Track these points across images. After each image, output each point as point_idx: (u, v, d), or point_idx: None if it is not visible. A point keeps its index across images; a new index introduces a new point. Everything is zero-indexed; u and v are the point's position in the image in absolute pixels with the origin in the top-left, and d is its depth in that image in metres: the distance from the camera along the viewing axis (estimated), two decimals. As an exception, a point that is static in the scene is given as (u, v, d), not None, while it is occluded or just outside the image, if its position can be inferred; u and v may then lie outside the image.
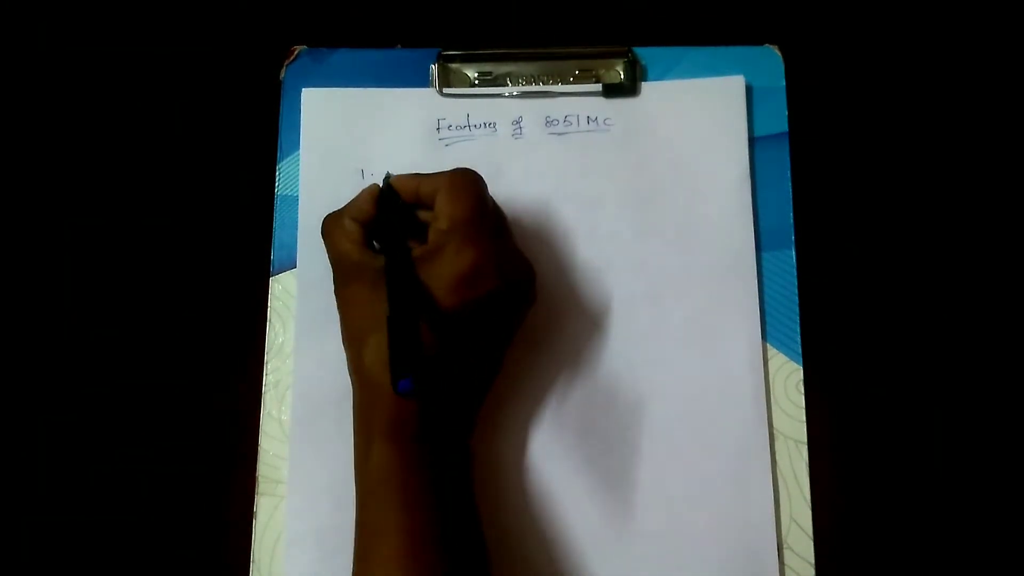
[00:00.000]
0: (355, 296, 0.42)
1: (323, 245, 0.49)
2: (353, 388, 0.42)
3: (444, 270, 0.40)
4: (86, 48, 0.54)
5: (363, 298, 0.41)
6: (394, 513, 0.38)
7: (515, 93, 0.52)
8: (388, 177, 0.45)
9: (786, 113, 0.52)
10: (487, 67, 0.53)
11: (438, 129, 0.52)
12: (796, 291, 0.49)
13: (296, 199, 0.51)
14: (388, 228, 0.43)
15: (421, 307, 0.39)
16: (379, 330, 0.39)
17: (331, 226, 0.44)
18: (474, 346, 0.42)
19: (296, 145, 0.52)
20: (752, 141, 0.51)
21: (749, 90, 0.52)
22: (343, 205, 0.45)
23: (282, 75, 0.53)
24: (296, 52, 0.53)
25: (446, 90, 0.52)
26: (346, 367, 0.48)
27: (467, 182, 0.43)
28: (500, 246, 0.42)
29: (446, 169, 0.44)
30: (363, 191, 0.44)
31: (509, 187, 0.50)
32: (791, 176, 0.51)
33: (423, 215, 0.44)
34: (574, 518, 0.47)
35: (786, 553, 0.46)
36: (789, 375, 0.48)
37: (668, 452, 0.47)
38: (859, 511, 0.47)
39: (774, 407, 0.48)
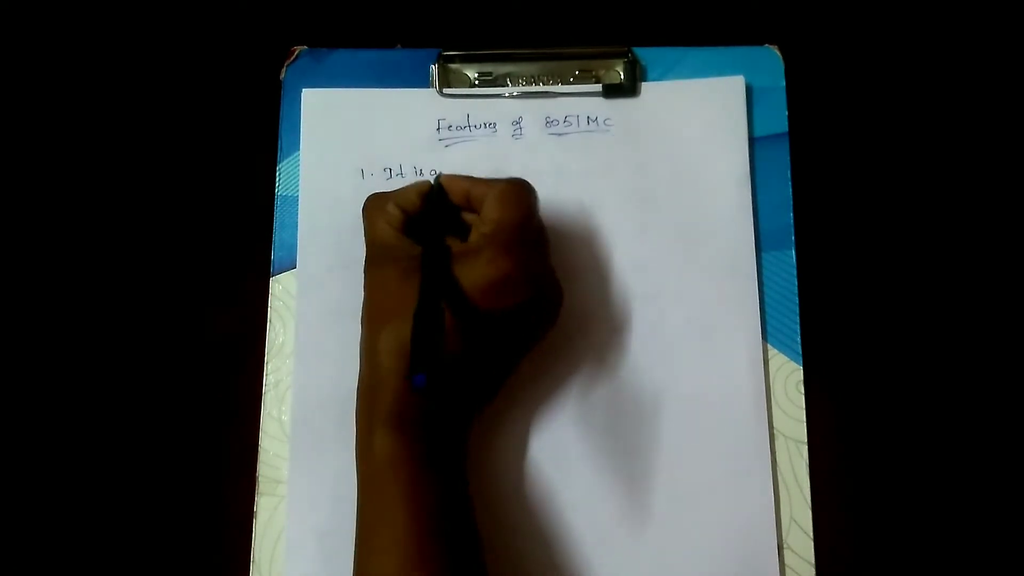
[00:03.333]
0: (384, 279, 0.42)
1: (323, 245, 0.50)
2: (361, 370, 0.42)
3: (478, 272, 0.39)
4: (86, 48, 0.54)
5: (391, 283, 0.41)
6: (394, 500, 0.38)
7: (515, 93, 0.52)
8: (439, 176, 0.45)
9: (786, 113, 0.52)
10: (487, 67, 0.53)
11: (438, 129, 0.52)
12: (796, 291, 0.49)
13: (296, 199, 0.51)
14: (431, 222, 0.43)
15: (450, 304, 0.39)
16: (399, 317, 0.39)
17: (373, 206, 0.44)
18: (489, 351, 0.42)
19: (296, 145, 0.52)
20: (752, 141, 0.51)
21: (749, 90, 0.52)
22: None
23: (282, 75, 0.53)
24: (296, 52, 0.53)
25: (446, 90, 0.52)
26: (346, 367, 0.48)
27: (519, 192, 0.42)
28: (536, 262, 0.42)
29: (492, 176, 0.44)
30: (413, 184, 0.45)
31: (509, 187, 0.50)
32: (791, 176, 0.51)
33: (468, 218, 0.44)
34: (572, 516, 0.46)
35: (786, 553, 0.46)
36: (789, 375, 0.48)
37: (668, 452, 0.47)
38: (859, 511, 0.47)
39: (774, 407, 0.48)
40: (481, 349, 0.41)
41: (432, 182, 0.45)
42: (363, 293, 0.43)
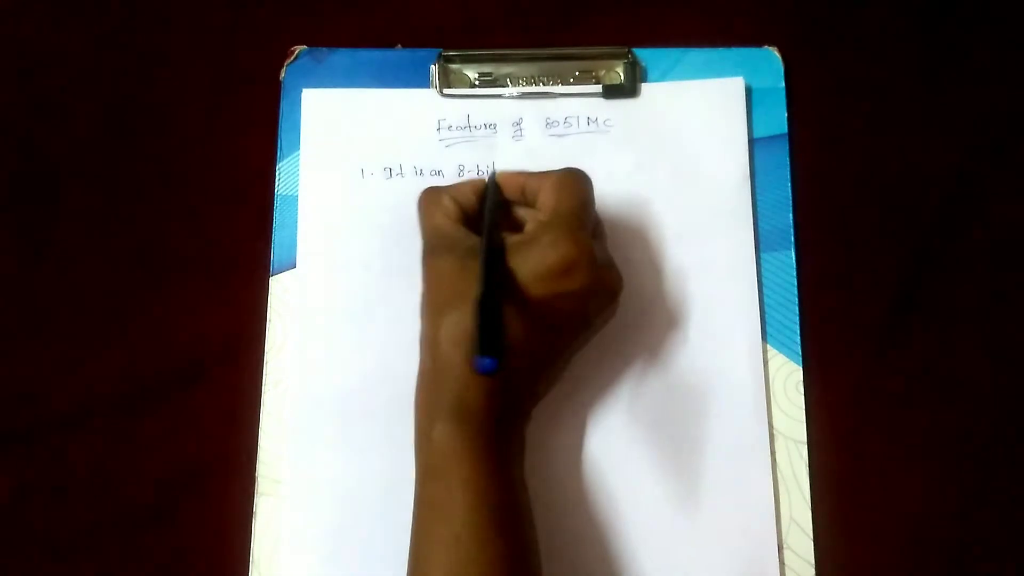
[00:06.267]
0: (442, 268, 0.41)
1: (323, 245, 0.50)
2: (421, 361, 0.42)
3: (538, 259, 0.39)
4: (87, 48, 0.54)
5: (450, 272, 0.41)
6: (455, 492, 0.38)
7: (515, 94, 0.52)
8: (494, 175, 0.45)
9: (785, 114, 0.52)
10: (487, 68, 0.53)
11: (438, 130, 0.52)
12: (796, 291, 0.49)
13: (296, 199, 0.51)
14: (488, 215, 0.42)
15: (510, 291, 0.39)
16: (459, 307, 0.39)
17: (429, 199, 0.44)
18: (551, 340, 0.41)
19: (296, 145, 0.51)
20: (752, 142, 0.51)
21: (748, 91, 0.52)
22: (452, 185, 0.45)
23: (282, 75, 0.53)
24: (296, 52, 0.53)
25: (446, 91, 0.52)
26: (345, 367, 0.48)
27: (575, 179, 0.43)
28: (595, 247, 0.42)
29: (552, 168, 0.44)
30: (467, 181, 0.45)
31: (509, 188, 0.50)
32: (791, 177, 0.51)
33: (521, 212, 0.44)
34: (571, 516, 0.46)
35: (786, 553, 0.46)
36: (789, 375, 0.48)
37: (667, 452, 0.47)
38: (859, 511, 0.47)
39: (774, 407, 0.48)
40: (542, 337, 0.40)
41: (487, 179, 0.45)
42: (422, 285, 0.42)
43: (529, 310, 0.39)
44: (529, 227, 0.42)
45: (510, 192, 0.44)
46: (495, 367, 0.33)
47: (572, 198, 0.42)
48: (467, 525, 0.38)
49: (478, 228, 0.43)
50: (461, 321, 0.39)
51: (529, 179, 0.44)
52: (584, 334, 0.44)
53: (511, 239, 0.41)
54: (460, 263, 0.40)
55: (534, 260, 0.39)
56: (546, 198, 0.42)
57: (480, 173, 0.51)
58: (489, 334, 0.35)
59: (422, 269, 0.43)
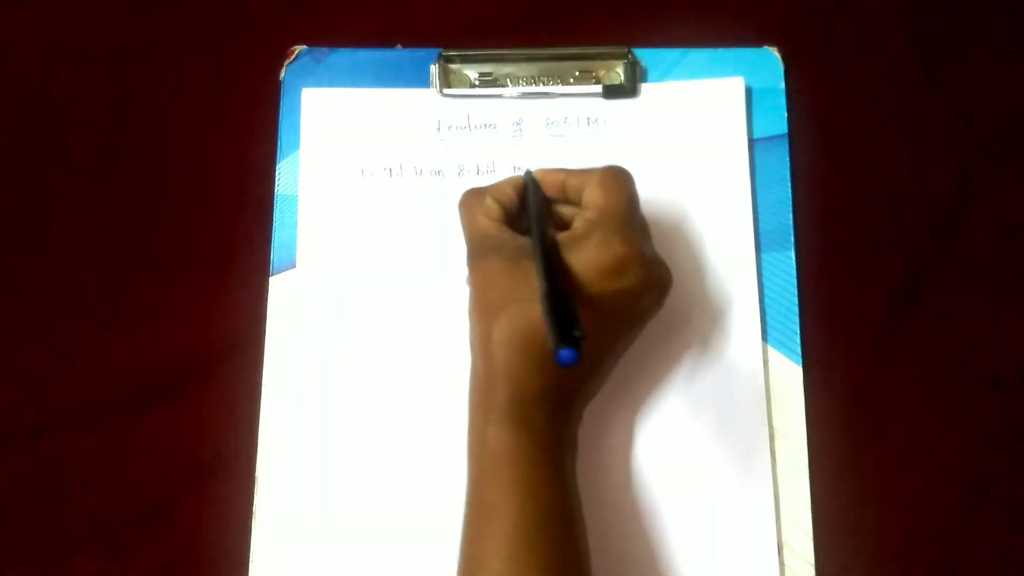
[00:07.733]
0: (490, 270, 0.41)
1: (323, 245, 0.50)
2: (473, 362, 0.41)
3: (589, 257, 0.39)
4: (86, 48, 0.54)
5: (497, 273, 0.40)
6: (507, 494, 0.38)
7: (515, 94, 0.52)
8: (529, 173, 0.45)
9: (785, 115, 0.52)
10: (487, 68, 0.53)
11: (438, 130, 0.52)
12: (796, 292, 0.49)
13: (296, 198, 0.51)
14: (534, 212, 0.42)
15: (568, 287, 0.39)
16: (510, 308, 0.39)
17: (471, 201, 0.44)
18: (603, 338, 0.41)
19: (296, 145, 0.51)
20: (751, 143, 0.51)
21: (748, 91, 0.52)
22: (489, 186, 0.44)
23: (282, 75, 0.53)
24: (296, 52, 0.53)
25: (446, 91, 0.52)
26: (346, 366, 0.48)
27: (620, 178, 0.43)
28: (644, 245, 0.42)
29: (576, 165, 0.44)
30: (507, 179, 0.45)
31: (510, 188, 0.50)
32: (790, 177, 0.51)
33: (563, 210, 0.44)
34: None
35: (786, 553, 0.46)
36: (789, 375, 0.48)
37: (667, 452, 0.47)
38: (859, 511, 0.47)
39: (774, 407, 0.48)
40: (595, 335, 0.40)
41: (523, 176, 0.45)
42: (468, 287, 0.42)
43: (581, 308, 0.38)
44: (577, 225, 0.42)
45: (549, 189, 0.44)
46: (575, 356, 0.33)
47: (620, 196, 0.42)
48: (519, 526, 0.38)
49: (520, 226, 0.43)
50: (513, 322, 0.39)
51: (570, 176, 0.44)
52: (634, 331, 0.43)
53: (560, 236, 0.41)
54: (508, 264, 0.40)
55: (586, 259, 0.39)
56: (593, 196, 0.42)
57: (480, 173, 0.51)
58: (564, 324, 0.34)
59: (468, 272, 0.42)
